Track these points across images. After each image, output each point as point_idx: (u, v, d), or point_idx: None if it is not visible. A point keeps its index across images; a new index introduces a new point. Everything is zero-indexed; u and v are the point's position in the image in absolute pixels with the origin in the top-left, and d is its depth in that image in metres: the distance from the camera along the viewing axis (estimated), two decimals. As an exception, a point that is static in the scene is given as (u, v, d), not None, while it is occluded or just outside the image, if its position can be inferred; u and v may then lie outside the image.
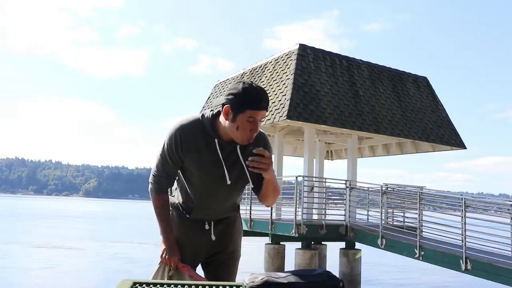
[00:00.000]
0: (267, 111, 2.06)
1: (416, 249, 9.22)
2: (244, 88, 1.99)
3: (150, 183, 2.27)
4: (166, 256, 2.22)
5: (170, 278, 2.23)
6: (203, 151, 2.12)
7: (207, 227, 2.32)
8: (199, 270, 2.34)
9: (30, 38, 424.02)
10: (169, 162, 2.17)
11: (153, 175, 2.25)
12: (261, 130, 2.21)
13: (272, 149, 14.93)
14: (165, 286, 1.52)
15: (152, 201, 2.26)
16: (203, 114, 2.16)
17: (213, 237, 2.33)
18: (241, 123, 2.02)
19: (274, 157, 14.08)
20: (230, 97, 2.02)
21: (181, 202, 2.31)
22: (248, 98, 1.98)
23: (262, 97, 2.00)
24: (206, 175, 2.16)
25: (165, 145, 2.15)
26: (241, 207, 2.53)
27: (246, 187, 2.33)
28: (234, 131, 2.05)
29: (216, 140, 2.11)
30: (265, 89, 12.22)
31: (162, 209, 2.24)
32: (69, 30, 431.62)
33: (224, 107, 2.05)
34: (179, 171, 2.23)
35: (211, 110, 2.19)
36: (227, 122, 2.07)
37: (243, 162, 2.13)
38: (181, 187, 2.29)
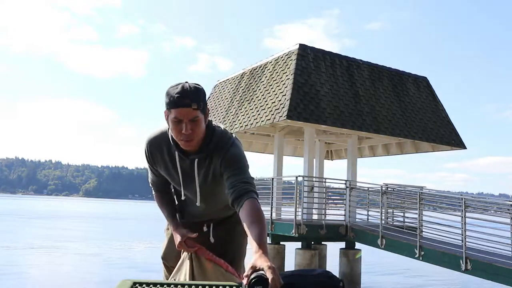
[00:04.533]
0: (199, 108, 1.83)
1: (416, 249, 9.22)
2: (168, 89, 1.85)
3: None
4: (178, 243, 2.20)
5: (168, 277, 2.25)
6: (168, 162, 2.11)
7: (205, 229, 2.32)
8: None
9: (29, 38, 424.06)
10: (150, 171, 2.27)
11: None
12: (235, 151, 1.97)
13: (275, 149, 14.68)
14: (165, 286, 1.52)
15: None
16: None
17: (212, 239, 2.30)
18: (171, 125, 1.89)
19: (274, 157, 14.09)
20: None
21: (177, 207, 2.36)
22: (168, 97, 1.84)
23: (181, 93, 1.80)
24: (174, 184, 2.20)
25: None
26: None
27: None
28: (172, 134, 1.95)
29: (175, 152, 2.05)
30: (265, 89, 12.25)
31: (160, 203, 2.32)
32: (69, 30, 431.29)
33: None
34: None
35: None
36: None
37: (196, 176, 2.07)
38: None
